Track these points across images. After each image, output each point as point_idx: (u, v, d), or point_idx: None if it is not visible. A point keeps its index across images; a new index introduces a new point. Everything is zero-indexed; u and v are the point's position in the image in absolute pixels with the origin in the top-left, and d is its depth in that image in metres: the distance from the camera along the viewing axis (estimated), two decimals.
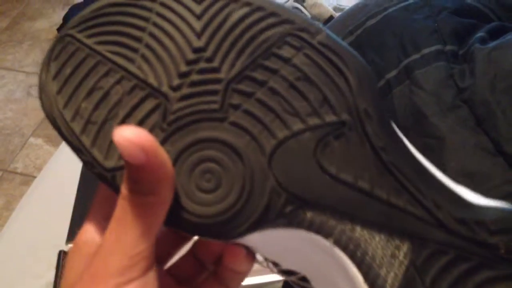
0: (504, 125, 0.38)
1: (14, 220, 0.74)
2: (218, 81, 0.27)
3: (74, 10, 2.16)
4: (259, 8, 0.28)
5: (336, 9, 0.98)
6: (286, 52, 0.28)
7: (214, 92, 0.27)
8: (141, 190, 0.24)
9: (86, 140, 0.27)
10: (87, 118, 0.27)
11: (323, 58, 0.27)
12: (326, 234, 0.26)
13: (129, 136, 0.23)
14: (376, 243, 0.26)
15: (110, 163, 0.27)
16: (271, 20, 0.28)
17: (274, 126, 0.27)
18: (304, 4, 0.95)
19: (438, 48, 0.56)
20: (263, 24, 0.28)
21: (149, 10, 0.28)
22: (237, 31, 0.28)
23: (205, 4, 0.28)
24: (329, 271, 0.28)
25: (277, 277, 0.57)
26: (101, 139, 0.27)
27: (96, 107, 0.27)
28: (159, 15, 0.28)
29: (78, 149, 0.27)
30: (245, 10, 0.28)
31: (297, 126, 0.27)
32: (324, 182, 0.27)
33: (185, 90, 0.27)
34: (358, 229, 0.26)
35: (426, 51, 0.57)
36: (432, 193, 0.26)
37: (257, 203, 0.26)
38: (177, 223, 0.26)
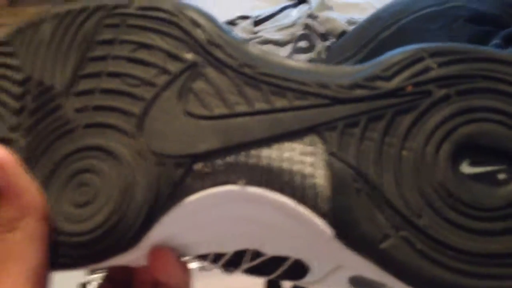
0: None
1: None
2: (56, 96, 0.25)
3: None
4: (68, 13, 0.26)
5: (349, 23, 0.93)
6: (107, 34, 0.26)
7: (56, 109, 0.25)
8: (4, 225, 0.21)
9: None
10: None
11: (147, 19, 0.26)
12: (233, 179, 0.23)
13: None
14: (286, 157, 0.23)
15: None
16: (81, 17, 0.26)
17: (128, 105, 0.25)
18: (318, 19, 0.93)
19: None
20: (77, 23, 0.26)
21: None
22: (55, 41, 0.26)
23: (16, 36, 0.27)
24: (264, 221, 0.24)
25: None
26: None
27: None
28: None
29: None
30: (55, 21, 0.26)
31: (150, 93, 0.25)
32: (203, 127, 0.24)
33: (26, 123, 0.25)
34: (261, 153, 0.23)
35: None
36: (313, 79, 0.24)
37: (144, 190, 0.23)
38: (62, 258, 0.23)
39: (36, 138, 0.25)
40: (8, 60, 0.26)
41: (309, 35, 0.94)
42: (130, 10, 0.26)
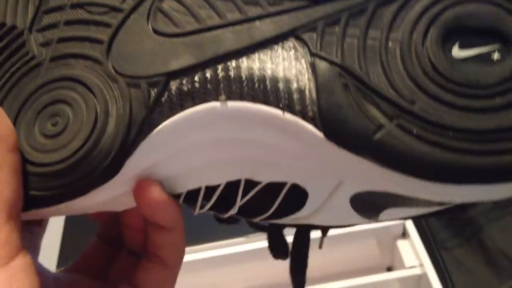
0: None
1: None
2: (19, 35, 0.24)
3: None
4: None
5: None
6: None
7: (20, 47, 0.24)
8: None
9: None
10: None
11: None
12: (213, 96, 0.22)
13: None
14: (268, 64, 0.22)
15: None
16: None
17: (94, 33, 0.23)
18: None
19: None
20: None
21: None
22: None
23: None
24: (251, 141, 0.22)
25: None
26: None
27: None
28: None
29: None
30: None
31: (117, 18, 0.23)
32: (175, 44, 0.22)
33: None
34: (241, 64, 0.22)
35: None
36: None
37: (118, 114, 0.21)
38: (37, 192, 0.21)
39: (2, 78, 0.23)
40: None
41: None
42: None
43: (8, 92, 0.23)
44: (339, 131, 0.20)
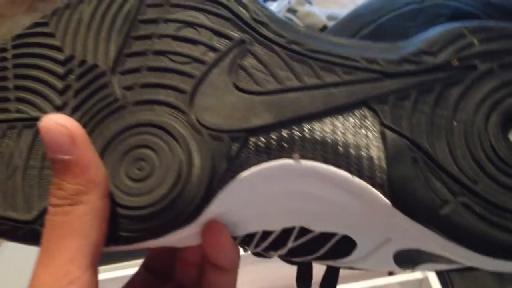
0: None
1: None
2: (101, 75, 0.25)
3: None
4: None
5: (329, 18, 0.94)
6: (151, 13, 0.26)
7: (102, 87, 0.25)
8: (68, 198, 0.21)
9: None
10: None
11: None
12: (288, 153, 0.24)
13: (58, 120, 0.21)
14: (340, 129, 0.24)
15: (30, 215, 0.23)
16: None
17: (177, 82, 0.25)
18: (297, 14, 0.93)
19: None
20: (117, 3, 0.26)
21: (4, 58, 0.26)
22: (96, 21, 0.26)
23: (53, 17, 0.26)
24: (318, 196, 0.24)
25: None
26: (9, 198, 0.24)
27: None
28: (15, 56, 0.26)
29: None
30: (94, 1, 0.26)
31: (200, 70, 0.25)
32: (255, 102, 0.24)
33: (73, 102, 0.25)
34: (315, 127, 0.24)
35: None
36: (359, 54, 0.24)
37: (202, 165, 0.23)
38: (123, 233, 0.23)
39: (84, 117, 0.24)
40: (49, 41, 0.26)
41: None
42: None
43: (92, 131, 0.24)
44: (407, 201, 0.22)
